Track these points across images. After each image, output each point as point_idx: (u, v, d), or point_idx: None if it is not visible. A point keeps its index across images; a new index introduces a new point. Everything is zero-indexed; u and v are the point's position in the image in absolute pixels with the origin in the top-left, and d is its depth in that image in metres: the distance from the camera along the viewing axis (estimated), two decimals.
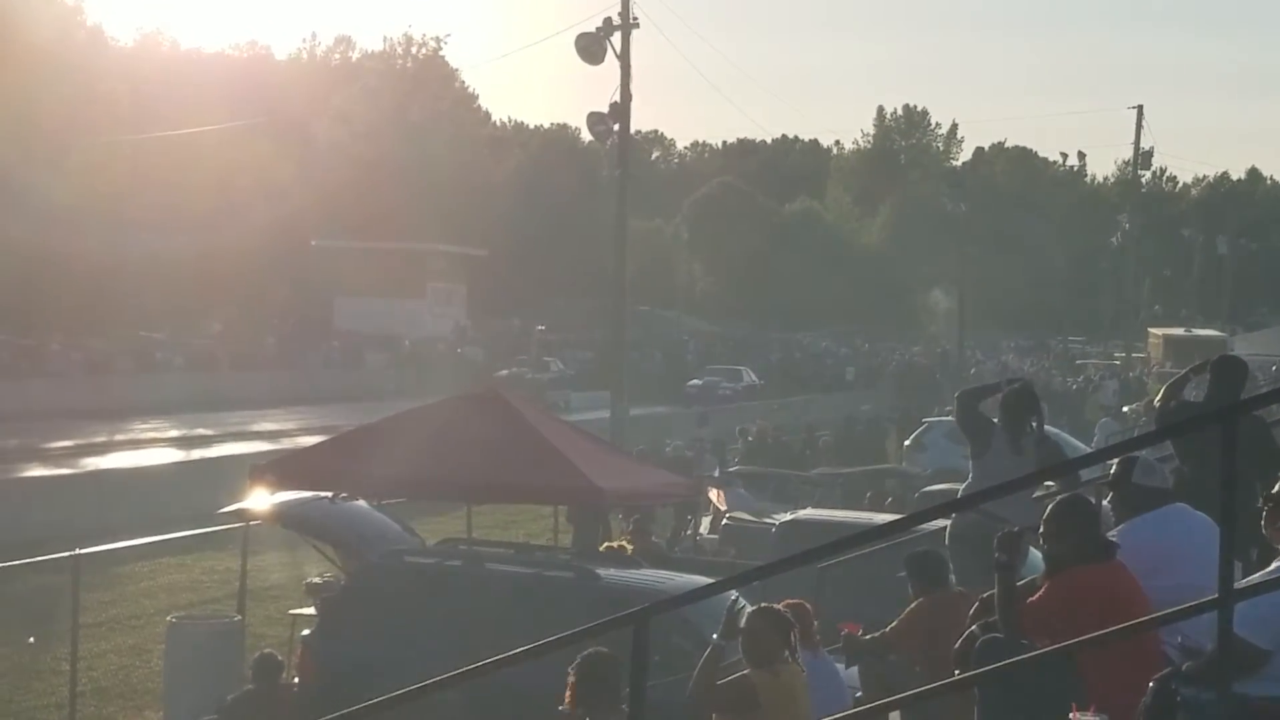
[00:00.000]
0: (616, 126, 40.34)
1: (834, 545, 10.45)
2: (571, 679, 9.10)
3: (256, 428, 49.20)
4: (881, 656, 11.11)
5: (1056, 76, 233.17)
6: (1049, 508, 8.54)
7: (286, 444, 38.61)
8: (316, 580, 18.67)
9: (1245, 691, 6.78)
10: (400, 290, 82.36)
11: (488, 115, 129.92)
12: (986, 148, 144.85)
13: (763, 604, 10.13)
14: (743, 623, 9.59)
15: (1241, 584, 7.04)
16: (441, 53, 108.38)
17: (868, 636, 11.16)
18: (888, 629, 11.09)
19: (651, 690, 7.68)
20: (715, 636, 9.52)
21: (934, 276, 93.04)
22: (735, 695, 9.27)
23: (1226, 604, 6.35)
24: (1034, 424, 12.26)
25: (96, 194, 63.52)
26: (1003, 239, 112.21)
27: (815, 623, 11.54)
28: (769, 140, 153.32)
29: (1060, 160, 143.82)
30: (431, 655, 12.33)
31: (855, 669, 11.49)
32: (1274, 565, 7.22)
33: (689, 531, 26.06)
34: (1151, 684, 7.07)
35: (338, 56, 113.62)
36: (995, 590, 8.40)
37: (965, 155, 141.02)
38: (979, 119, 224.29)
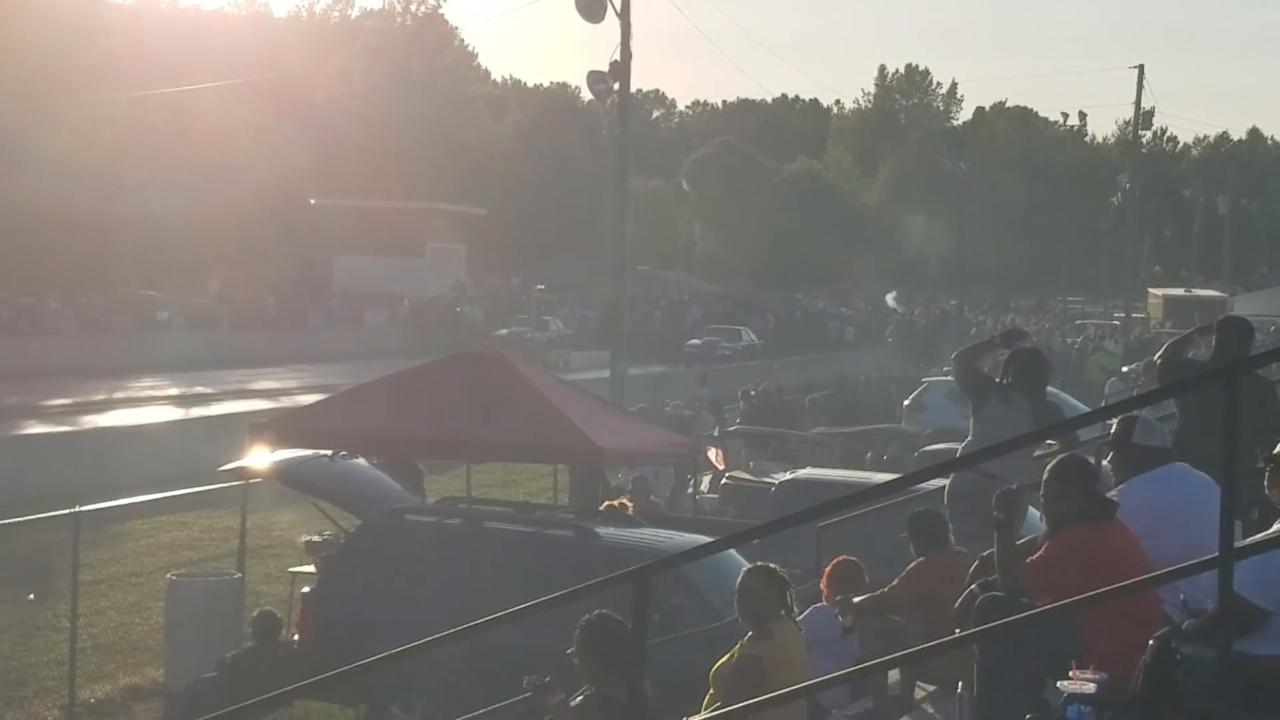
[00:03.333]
0: (616, 85, 40.09)
1: (833, 504, 10.45)
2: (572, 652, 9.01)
3: (256, 386, 49.23)
4: (881, 615, 11.11)
5: (1057, 36, 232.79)
6: (1049, 467, 8.53)
7: (286, 402, 38.65)
8: (316, 538, 18.69)
9: (1245, 650, 6.78)
10: (400, 249, 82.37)
11: (487, 74, 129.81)
12: (987, 107, 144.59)
13: (758, 563, 10.12)
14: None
15: (1242, 543, 7.03)
16: (441, 10, 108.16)
17: (863, 596, 11.15)
18: (886, 588, 11.09)
19: (650, 649, 7.67)
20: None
21: (933, 235, 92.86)
22: (744, 675, 9.20)
23: (1226, 563, 6.34)
24: (1040, 385, 12.27)
25: (95, 152, 63.37)
26: (1003, 199, 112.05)
27: (868, 581, 11.53)
28: (769, 100, 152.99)
29: (1061, 120, 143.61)
30: (431, 613, 12.35)
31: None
32: (1277, 526, 7.21)
33: (689, 491, 26.08)
34: (1151, 642, 7.06)
35: (336, 14, 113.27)
36: (994, 549, 8.40)
37: (966, 115, 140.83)
38: (980, 78, 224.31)
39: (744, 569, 9.99)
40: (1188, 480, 8.71)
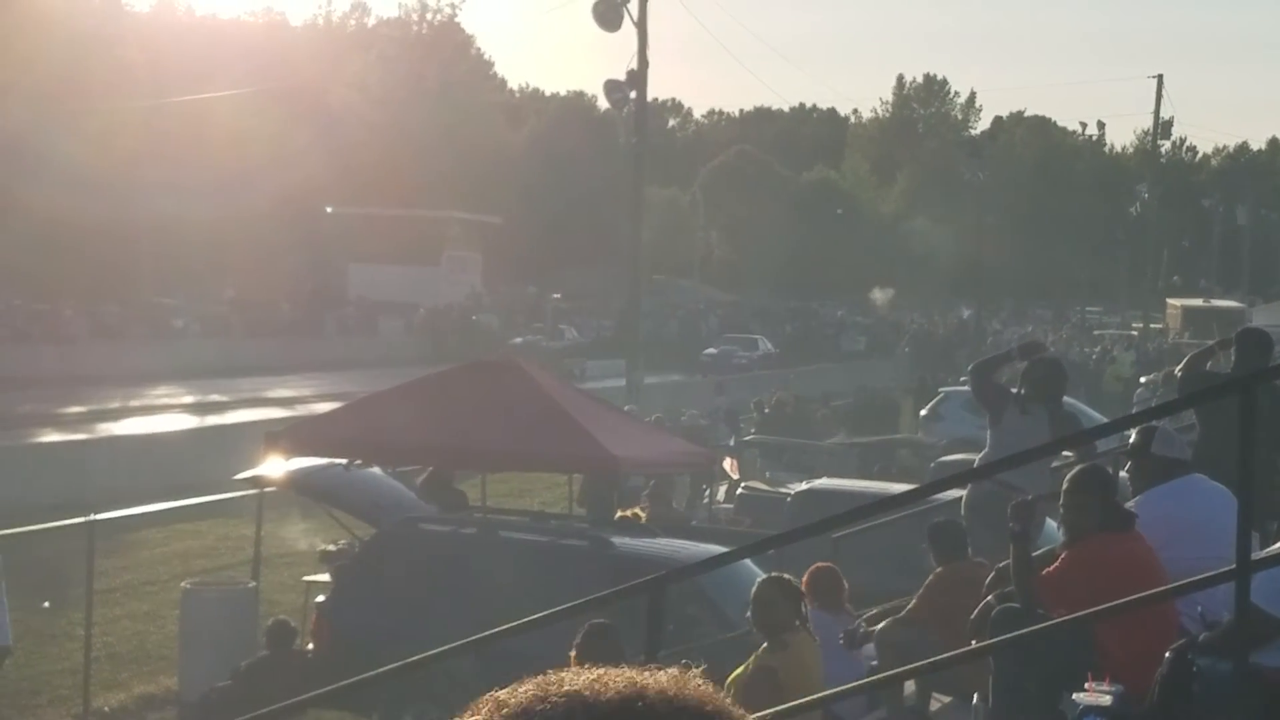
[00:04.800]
0: (633, 94, 40.23)
1: (849, 514, 10.43)
2: (573, 655, 9.08)
3: (271, 394, 49.24)
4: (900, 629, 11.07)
5: (1076, 46, 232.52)
6: (1068, 477, 8.50)
7: (301, 411, 38.63)
8: (331, 547, 18.67)
9: (1262, 662, 6.74)
10: (415, 257, 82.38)
11: (504, 82, 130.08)
12: (1005, 117, 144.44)
13: (773, 573, 10.09)
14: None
15: (1259, 555, 7.00)
16: (457, 19, 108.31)
17: (882, 623, 11.09)
18: (905, 610, 11.03)
19: (666, 659, 7.64)
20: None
21: (950, 244, 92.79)
22: (759, 687, 9.18)
23: (1244, 574, 6.31)
24: (1057, 396, 12.23)
25: (111, 160, 63.51)
26: (1021, 209, 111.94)
27: (846, 586, 11.50)
28: (786, 109, 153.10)
29: (1079, 130, 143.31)
30: (445, 622, 12.33)
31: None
32: None
33: (704, 500, 26.07)
34: (1168, 654, 7.03)
35: (353, 23, 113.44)
36: (1010, 560, 8.37)
37: (984, 124, 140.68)
38: (998, 88, 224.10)
39: (758, 580, 9.96)
40: (1205, 492, 8.67)
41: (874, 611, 11.63)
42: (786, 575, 9.93)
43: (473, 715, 1.52)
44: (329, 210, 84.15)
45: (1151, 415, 10.03)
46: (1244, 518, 6.40)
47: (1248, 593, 6.34)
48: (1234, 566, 6.34)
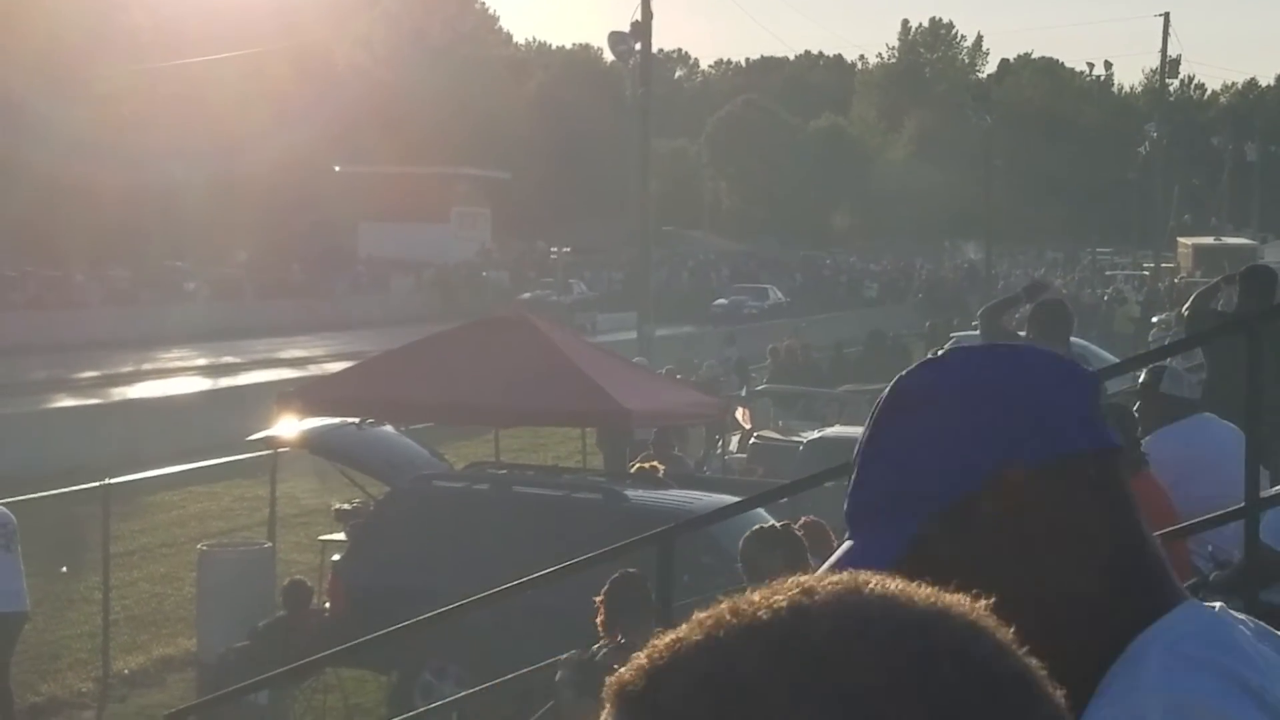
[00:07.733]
0: (638, 45, 40.10)
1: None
2: (600, 600, 9.12)
3: (283, 355, 49.31)
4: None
5: None
6: None
7: (313, 371, 38.69)
8: (345, 506, 18.70)
9: (1272, 601, 6.75)
10: (424, 215, 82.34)
11: (509, 36, 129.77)
12: (1012, 59, 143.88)
13: (759, 526, 10.12)
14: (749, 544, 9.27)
15: (1268, 493, 7.00)
16: None
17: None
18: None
19: (679, 609, 7.66)
20: None
21: (961, 190, 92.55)
22: None
23: (1253, 513, 6.31)
24: (1063, 338, 12.17)
25: (119, 124, 63.51)
26: (1030, 151, 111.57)
27: (834, 541, 11.49)
28: (792, 56, 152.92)
29: (1087, 70, 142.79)
30: (461, 579, 12.36)
31: None
32: None
33: (718, 451, 26.07)
34: None
35: None
36: None
37: (991, 67, 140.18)
38: (1004, 30, 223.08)
39: (750, 535, 9.98)
40: (1215, 430, 8.66)
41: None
42: (776, 525, 9.97)
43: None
44: (337, 169, 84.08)
45: (1159, 355, 10.03)
46: (1253, 456, 6.40)
47: (1257, 531, 6.34)
48: (1243, 505, 6.34)
